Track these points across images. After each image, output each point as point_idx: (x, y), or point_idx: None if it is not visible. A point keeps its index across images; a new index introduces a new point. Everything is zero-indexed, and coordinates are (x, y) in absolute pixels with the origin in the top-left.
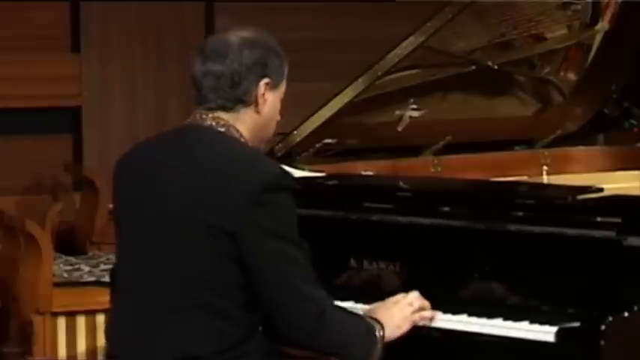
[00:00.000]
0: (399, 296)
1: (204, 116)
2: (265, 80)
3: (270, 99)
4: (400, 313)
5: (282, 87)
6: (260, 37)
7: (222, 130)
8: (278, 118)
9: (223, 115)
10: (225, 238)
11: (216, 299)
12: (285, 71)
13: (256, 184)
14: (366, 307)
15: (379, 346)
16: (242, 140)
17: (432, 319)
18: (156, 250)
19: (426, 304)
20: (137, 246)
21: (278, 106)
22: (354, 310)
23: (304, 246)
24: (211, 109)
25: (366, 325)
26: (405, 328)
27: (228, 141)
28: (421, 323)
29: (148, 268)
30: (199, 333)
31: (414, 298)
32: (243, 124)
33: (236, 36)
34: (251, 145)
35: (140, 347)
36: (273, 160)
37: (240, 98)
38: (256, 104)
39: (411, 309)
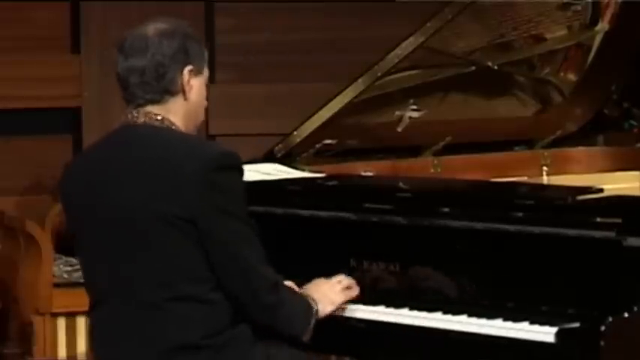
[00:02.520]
0: (323, 279)
1: (135, 114)
2: (189, 67)
3: (195, 85)
4: (331, 289)
5: (206, 72)
6: (176, 26)
7: (157, 124)
8: (205, 103)
9: (154, 109)
10: (184, 224)
11: (190, 286)
12: (206, 56)
13: (203, 166)
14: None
15: (314, 320)
16: (176, 129)
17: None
18: (122, 253)
19: (353, 282)
20: (102, 255)
21: (204, 92)
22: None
23: (252, 223)
24: (141, 105)
25: (306, 301)
26: (337, 302)
27: (166, 132)
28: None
29: (119, 273)
30: (182, 322)
31: (341, 277)
32: (175, 114)
33: (153, 28)
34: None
35: (126, 349)
36: (213, 141)
37: (166, 89)
38: (183, 92)
39: (340, 286)
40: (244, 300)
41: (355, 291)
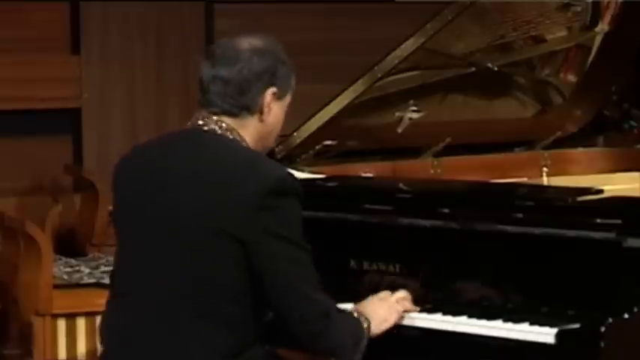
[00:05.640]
0: (384, 293)
1: (206, 119)
2: (272, 90)
3: (275, 109)
4: (386, 308)
5: (288, 98)
6: (270, 46)
7: (225, 133)
8: (280, 128)
9: (227, 120)
10: (233, 244)
11: (221, 306)
12: (292, 83)
13: (263, 188)
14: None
15: (365, 342)
16: (244, 144)
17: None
18: (160, 256)
19: (409, 297)
20: (140, 251)
21: (282, 117)
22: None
23: (308, 248)
24: (215, 113)
25: (357, 322)
26: (391, 320)
27: (232, 144)
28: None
29: (152, 275)
30: (204, 342)
31: (399, 296)
32: (246, 131)
33: (247, 43)
34: None
35: (143, 356)
36: (277, 163)
37: (246, 106)
38: (261, 113)
39: (397, 305)
40: (293, 326)
41: (411, 307)
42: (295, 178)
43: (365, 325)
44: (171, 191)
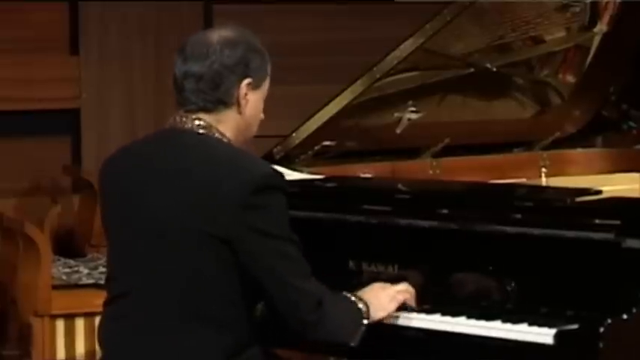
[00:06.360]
0: (386, 283)
1: (184, 119)
2: (247, 80)
3: (252, 99)
4: (386, 296)
5: (265, 86)
6: (241, 36)
7: (204, 132)
8: (261, 117)
9: (205, 117)
10: (220, 245)
11: (216, 309)
12: (268, 70)
13: (245, 187)
14: None
15: (364, 325)
16: (225, 141)
17: (414, 305)
18: (150, 259)
19: (412, 290)
20: (131, 254)
21: (261, 106)
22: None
23: (295, 239)
24: (192, 111)
25: (354, 306)
26: (390, 309)
27: (212, 142)
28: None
29: (145, 278)
30: (202, 344)
31: (401, 288)
32: (226, 124)
33: (217, 35)
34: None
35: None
36: (260, 159)
37: (221, 99)
38: (238, 105)
39: (398, 295)
40: (288, 319)
41: (411, 299)
42: (279, 172)
43: (364, 309)
44: (155, 193)
